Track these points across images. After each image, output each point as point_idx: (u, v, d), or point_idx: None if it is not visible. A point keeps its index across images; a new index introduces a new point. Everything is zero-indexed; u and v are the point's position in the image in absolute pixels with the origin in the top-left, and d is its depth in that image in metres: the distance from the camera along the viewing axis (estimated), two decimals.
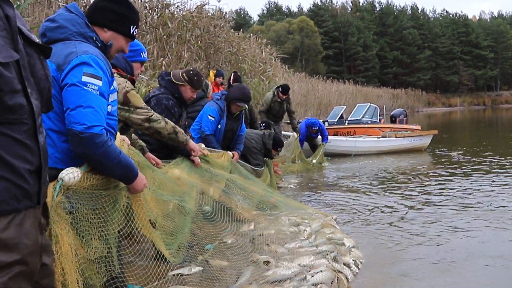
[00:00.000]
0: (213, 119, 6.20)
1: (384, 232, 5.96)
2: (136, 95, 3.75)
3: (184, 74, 4.69)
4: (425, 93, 71.05)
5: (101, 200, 2.39)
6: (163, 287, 3.75)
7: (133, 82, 3.89)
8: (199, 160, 4.68)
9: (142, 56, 3.94)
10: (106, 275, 2.46)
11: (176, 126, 4.06)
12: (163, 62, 9.88)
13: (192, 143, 4.25)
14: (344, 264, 4.51)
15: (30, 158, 1.53)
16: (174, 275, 3.94)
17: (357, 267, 4.58)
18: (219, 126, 6.25)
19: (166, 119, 3.98)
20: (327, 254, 4.65)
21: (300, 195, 8.91)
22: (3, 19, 1.49)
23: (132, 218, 2.80)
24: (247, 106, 6.47)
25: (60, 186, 2.03)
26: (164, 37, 10.67)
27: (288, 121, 12.41)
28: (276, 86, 11.06)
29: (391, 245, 5.39)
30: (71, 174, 2.10)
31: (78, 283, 2.09)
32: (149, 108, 3.86)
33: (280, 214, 6.03)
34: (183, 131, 4.13)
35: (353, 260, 4.64)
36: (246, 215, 5.34)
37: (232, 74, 9.44)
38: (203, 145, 5.21)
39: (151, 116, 3.79)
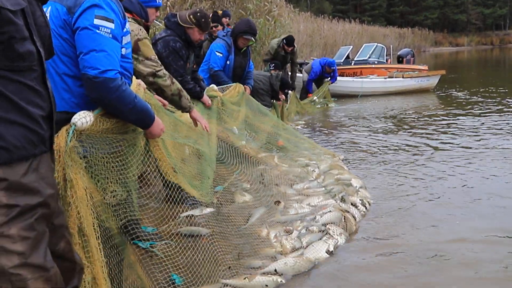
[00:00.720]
0: (221, 55, 6.15)
1: (392, 172, 6.00)
2: (148, 45, 3.68)
3: (191, 16, 4.59)
4: (432, 33, 69.83)
5: (117, 144, 2.38)
6: (176, 228, 3.82)
7: (147, 28, 3.82)
8: (209, 102, 4.67)
9: (157, 1, 3.85)
10: (125, 217, 2.49)
11: (182, 89, 3.95)
12: (168, 2, 9.69)
13: (195, 113, 4.08)
14: (352, 204, 4.56)
15: (42, 104, 1.54)
16: (186, 216, 3.99)
17: (365, 207, 4.63)
18: (228, 62, 6.21)
19: (173, 79, 3.88)
20: (335, 195, 4.70)
21: (307, 136, 8.93)
22: None
23: (146, 160, 2.81)
24: (254, 40, 6.37)
25: (73, 131, 2.01)
26: None
27: None
28: (282, 37, 10.72)
29: (398, 186, 5.42)
30: (83, 119, 2.08)
31: (94, 226, 2.11)
32: (159, 63, 3.77)
33: (288, 155, 6.07)
34: (188, 97, 4.01)
35: (360, 200, 4.69)
36: (255, 156, 5.38)
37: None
38: (214, 86, 5.17)
39: (158, 71, 3.71)
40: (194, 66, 5.11)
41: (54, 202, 1.59)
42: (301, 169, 5.58)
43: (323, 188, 4.93)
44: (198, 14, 4.62)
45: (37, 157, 1.52)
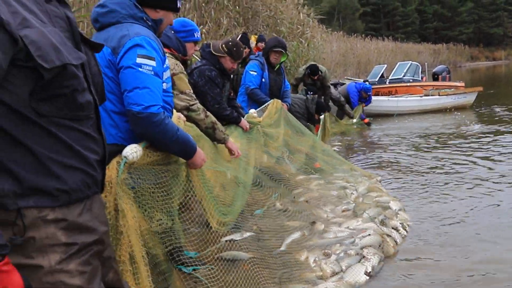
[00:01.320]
0: (255, 73, 6.26)
1: (432, 193, 5.94)
2: (182, 79, 3.80)
3: (223, 46, 4.73)
4: (467, 47, 69.02)
5: (162, 175, 2.49)
6: (217, 252, 3.90)
7: (184, 63, 3.95)
8: (247, 126, 4.79)
9: (196, 36, 3.99)
10: (170, 244, 2.59)
11: (216, 122, 4.02)
12: (203, 30, 9.91)
13: (231, 143, 4.15)
14: (392, 228, 4.56)
15: (97, 149, 1.66)
16: (226, 240, 4.06)
17: (405, 230, 4.63)
18: (263, 79, 6.31)
19: (207, 113, 3.97)
20: (375, 218, 4.71)
21: (343, 156, 8.94)
22: (66, 20, 1.58)
23: (188, 188, 2.92)
24: (285, 53, 6.50)
25: (124, 164, 2.13)
26: (203, 4, 10.67)
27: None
28: (306, 66, 10.72)
29: (438, 208, 5.33)
30: (134, 153, 2.20)
31: (142, 254, 2.21)
32: (193, 97, 3.88)
33: (326, 178, 6.12)
34: (223, 129, 4.09)
35: (400, 223, 4.68)
36: (294, 180, 5.46)
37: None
38: (253, 112, 5.26)
39: (192, 105, 3.82)
40: (231, 94, 5.23)
41: (107, 238, 1.71)
42: (339, 192, 5.61)
43: (362, 211, 4.94)
44: (230, 43, 4.76)
45: (90, 198, 1.63)
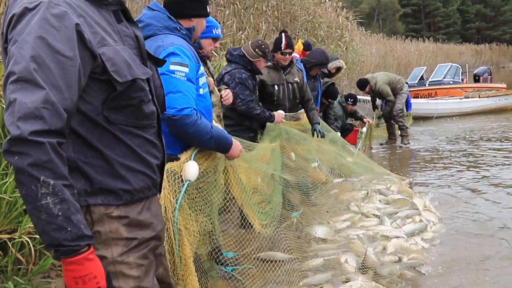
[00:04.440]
0: None
1: (472, 208, 5.69)
2: None
3: (257, 50, 4.80)
4: (511, 47, 67.33)
5: (205, 180, 2.67)
6: (255, 253, 4.06)
7: (202, 59, 3.97)
8: (282, 118, 4.98)
9: (214, 32, 3.93)
10: (210, 245, 2.77)
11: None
12: (242, 35, 10.10)
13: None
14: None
15: (158, 155, 1.86)
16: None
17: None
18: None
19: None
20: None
21: (380, 159, 9.01)
22: (134, 39, 1.79)
23: (227, 191, 3.10)
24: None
25: (187, 186, 2.30)
26: (242, 10, 10.86)
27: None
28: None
29: (474, 225, 5.06)
30: (195, 173, 2.35)
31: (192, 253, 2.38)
32: None
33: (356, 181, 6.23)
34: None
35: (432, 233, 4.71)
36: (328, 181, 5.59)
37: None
38: (282, 112, 5.38)
39: None
40: (256, 94, 5.34)
41: (164, 234, 1.90)
42: (370, 193, 5.71)
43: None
44: (263, 46, 4.84)
45: (150, 198, 1.82)
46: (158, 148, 1.86)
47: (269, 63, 5.49)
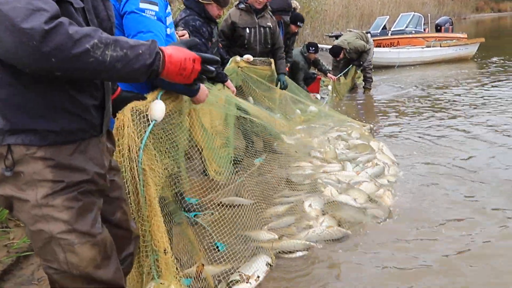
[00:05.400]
0: None
1: (427, 151, 5.88)
2: None
3: None
4: None
5: (170, 122, 2.59)
6: (218, 199, 4.05)
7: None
8: (234, 89, 4.69)
9: None
10: (176, 188, 2.73)
11: None
12: None
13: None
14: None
15: (96, 94, 1.75)
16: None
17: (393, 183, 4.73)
18: None
19: None
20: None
21: (340, 106, 9.07)
22: None
23: (191, 137, 3.05)
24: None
25: (153, 125, 2.20)
26: None
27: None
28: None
29: (430, 169, 5.11)
30: (162, 113, 2.25)
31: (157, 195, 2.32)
32: None
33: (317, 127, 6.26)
34: None
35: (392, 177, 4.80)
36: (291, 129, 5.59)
37: None
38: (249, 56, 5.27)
39: None
40: (220, 45, 5.19)
41: (102, 179, 1.79)
42: (331, 141, 5.76)
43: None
44: None
45: (86, 140, 1.72)
46: (97, 87, 1.75)
47: (242, 5, 5.36)
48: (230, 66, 5.07)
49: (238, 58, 5.20)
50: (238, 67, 5.13)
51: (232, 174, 3.93)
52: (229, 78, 4.68)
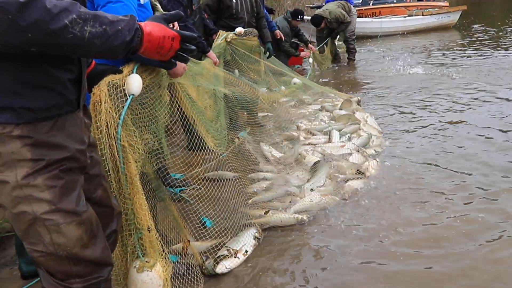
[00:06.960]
0: None
1: (409, 117, 5.95)
2: None
3: None
4: None
5: (146, 95, 2.49)
6: (202, 173, 4.02)
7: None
8: (216, 59, 4.57)
9: None
10: (157, 164, 2.66)
11: None
12: None
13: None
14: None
15: (71, 68, 1.66)
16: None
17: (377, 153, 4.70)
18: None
19: None
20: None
21: (324, 78, 9.03)
22: None
23: (171, 112, 2.97)
24: None
25: (131, 100, 2.11)
26: None
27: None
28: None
29: (418, 140, 5.06)
30: (139, 87, 2.15)
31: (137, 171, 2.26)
32: None
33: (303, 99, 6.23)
34: None
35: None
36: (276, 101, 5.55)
37: None
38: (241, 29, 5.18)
39: None
40: (206, 16, 5.12)
41: (83, 156, 1.72)
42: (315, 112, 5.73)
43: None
44: None
45: (63, 116, 1.64)
46: (73, 61, 1.67)
47: None
48: (219, 42, 4.96)
49: (231, 34, 5.11)
50: (226, 41, 5.03)
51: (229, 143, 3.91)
52: (218, 52, 4.62)
